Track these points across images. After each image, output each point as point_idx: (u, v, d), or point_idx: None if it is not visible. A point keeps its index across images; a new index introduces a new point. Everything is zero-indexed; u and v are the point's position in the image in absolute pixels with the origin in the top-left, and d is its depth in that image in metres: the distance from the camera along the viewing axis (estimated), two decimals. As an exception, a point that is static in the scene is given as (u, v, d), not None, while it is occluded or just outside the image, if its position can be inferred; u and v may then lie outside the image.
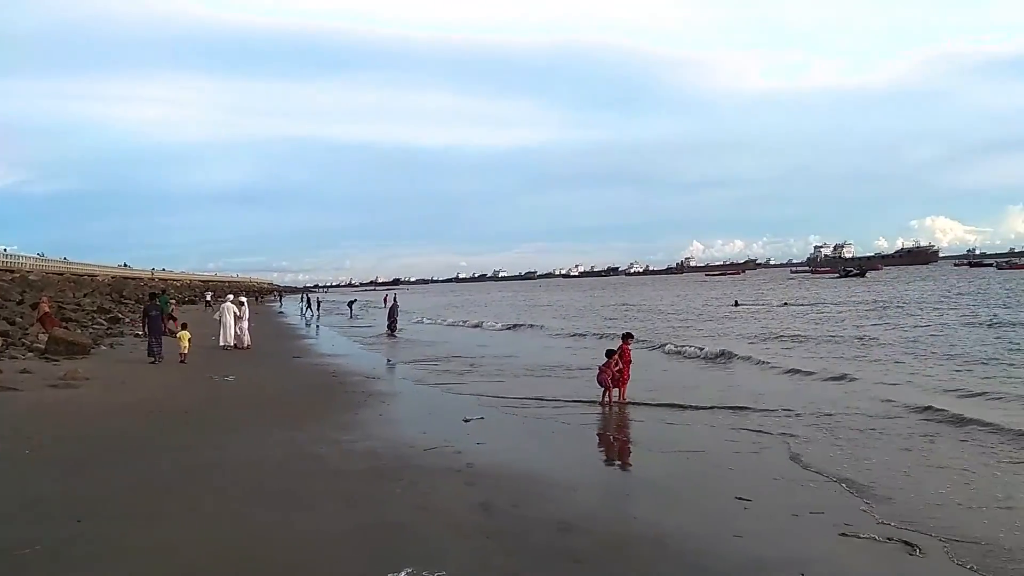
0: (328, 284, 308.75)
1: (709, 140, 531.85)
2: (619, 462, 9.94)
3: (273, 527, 6.49)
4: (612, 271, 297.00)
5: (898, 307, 39.95)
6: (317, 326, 42.39)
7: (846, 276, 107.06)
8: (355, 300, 58.44)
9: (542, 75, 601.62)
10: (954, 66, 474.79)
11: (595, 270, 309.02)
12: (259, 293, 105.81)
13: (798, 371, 16.87)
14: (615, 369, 13.16)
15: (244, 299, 27.00)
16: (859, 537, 6.25)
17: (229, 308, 24.53)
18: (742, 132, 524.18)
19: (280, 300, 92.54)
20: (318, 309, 53.26)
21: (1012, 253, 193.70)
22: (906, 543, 6.06)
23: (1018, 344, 20.70)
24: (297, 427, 11.19)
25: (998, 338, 22.30)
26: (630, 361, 13.54)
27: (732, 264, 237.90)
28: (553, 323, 38.65)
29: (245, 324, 24.76)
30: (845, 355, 20.10)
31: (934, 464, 8.74)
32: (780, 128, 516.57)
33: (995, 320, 28.00)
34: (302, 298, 64.11)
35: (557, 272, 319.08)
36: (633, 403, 13.06)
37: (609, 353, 13.51)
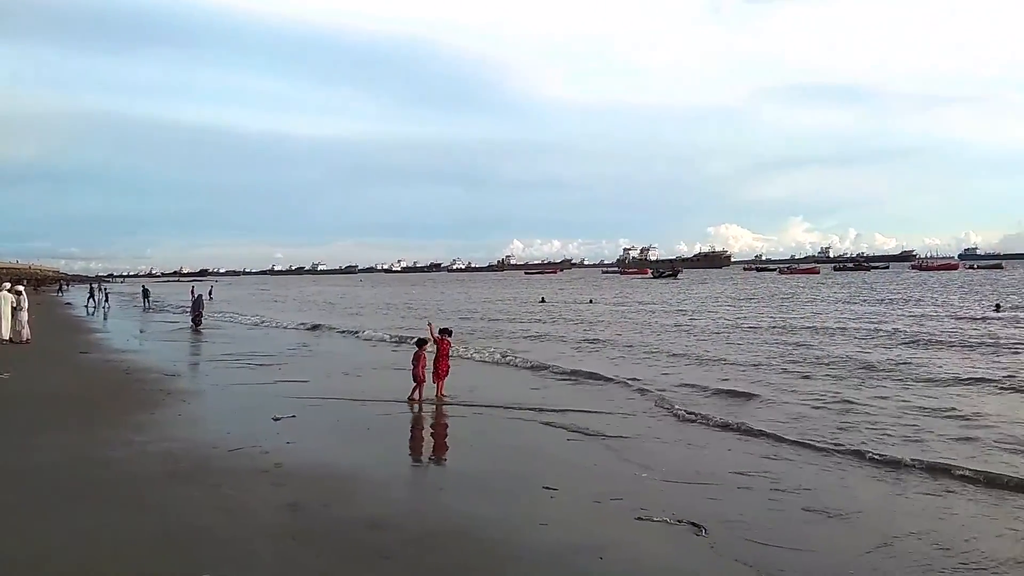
0: (126, 274, 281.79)
1: (529, 143, 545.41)
2: (432, 457, 10.02)
3: (54, 538, 5.94)
4: (435, 267, 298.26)
5: (691, 309, 43.01)
6: (105, 318, 38.90)
7: (660, 277, 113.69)
8: (148, 290, 52.63)
9: (371, 66, 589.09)
10: (752, 90, 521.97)
11: (418, 266, 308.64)
12: (37, 282, 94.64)
13: (582, 371, 17.08)
14: (428, 362, 13.20)
15: (22, 288, 24.34)
16: (653, 520, 6.76)
17: (6, 298, 22.04)
18: (560, 138, 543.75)
19: (60, 290, 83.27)
20: (107, 300, 48.79)
21: (792, 259, 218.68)
22: (693, 524, 6.64)
23: (783, 347, 23.20)
24: (84, 429, 10.27)
25: (767, 343, 23.94)
26: (447, 355, 13.66)
27: (550, 263, 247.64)
28: (365, 321, 37.90)
29: (24, 316, 22.34)
30: (633, 358, 20.61)
31: (714, 457, 9.60)
32: (595, 137, 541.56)
33: (772, 325, 30.36)
34: (90, 288, 57.96)
35: (379, 267, 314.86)
36: (452, 403, 13.05)
37: (420, 343, 13.47)
